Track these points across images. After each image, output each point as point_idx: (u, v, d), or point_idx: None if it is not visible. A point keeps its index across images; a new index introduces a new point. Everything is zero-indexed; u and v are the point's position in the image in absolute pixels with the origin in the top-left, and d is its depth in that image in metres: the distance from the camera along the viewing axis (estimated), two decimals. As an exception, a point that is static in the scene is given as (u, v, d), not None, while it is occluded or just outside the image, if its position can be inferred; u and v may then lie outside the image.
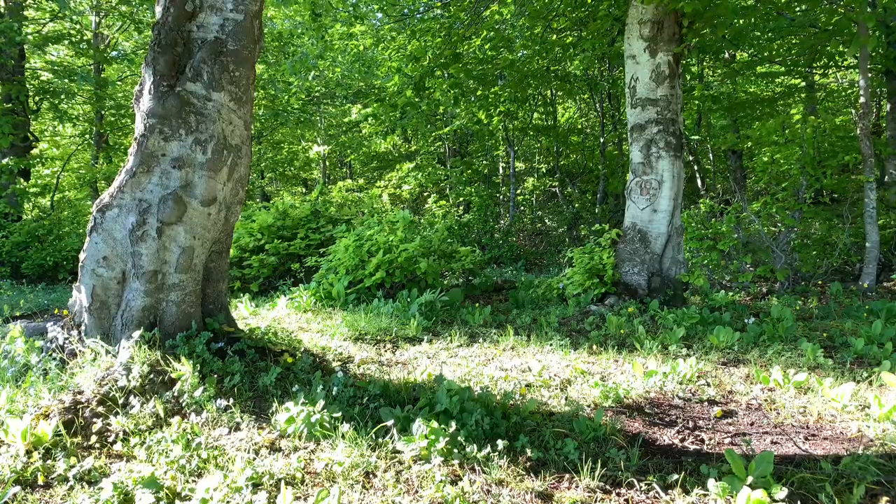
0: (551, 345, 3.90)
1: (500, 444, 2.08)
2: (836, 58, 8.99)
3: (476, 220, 11.56)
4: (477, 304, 5.31)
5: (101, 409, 2.28)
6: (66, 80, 11.26)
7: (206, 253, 2.97)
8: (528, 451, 2.10)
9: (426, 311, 4.92)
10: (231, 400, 2.42)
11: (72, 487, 1.87)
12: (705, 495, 1.84)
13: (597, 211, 11.65)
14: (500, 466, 1.98)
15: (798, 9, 6.99)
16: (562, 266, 8.61)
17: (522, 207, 13.39)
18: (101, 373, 2.47)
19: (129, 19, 11.76)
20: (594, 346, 3.92)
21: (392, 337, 4.18)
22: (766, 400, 2.82)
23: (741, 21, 6.98)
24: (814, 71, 9.74)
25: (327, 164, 18.27)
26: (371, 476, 1.93)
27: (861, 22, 5.55)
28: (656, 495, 1.88)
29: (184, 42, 2.90)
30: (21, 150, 10.17)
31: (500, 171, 14.30)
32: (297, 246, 7.06)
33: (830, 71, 11.17)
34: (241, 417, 2.33)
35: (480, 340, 4.14)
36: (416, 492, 1.85)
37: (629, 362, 3.44)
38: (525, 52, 8.82)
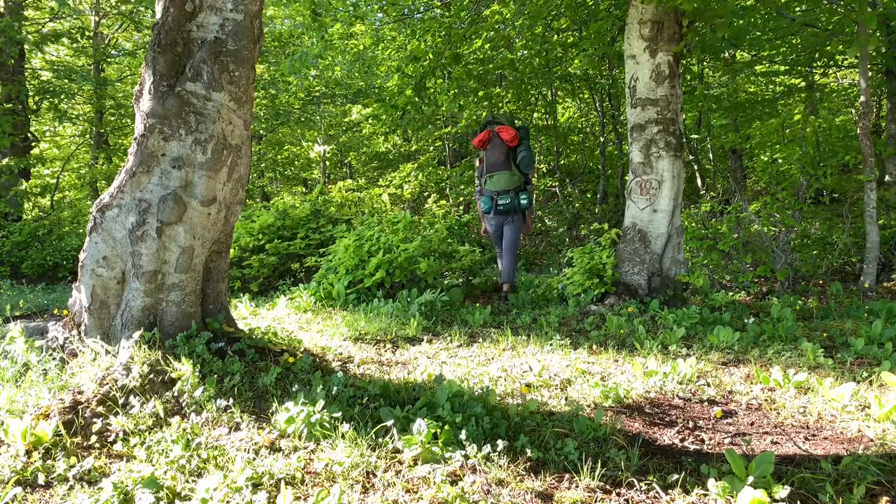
0: (551, 345, 3.90)
1: (500, 444, 2.08)
2: (837, 58, 8.98)
3: (476, 219, 11.57)
4: (477, 304, 5.31)
5: (101, 409, 2.28)
6: (66, 80, 11.27)
7: (206, 253, 2.97)
8: (528, 451, 2.10)
9: (426, 311, 4.91)
10: (231, 400, 2.42)
11: (72, 487, 1.87)
12: (705, 495, 1.84)
13: (597, 211, 11.65)
14: (500, 466, 1.98)
15: (798, 9, 6.99)
16: (562, 266, 8.60)
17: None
18: (101, 373, 2.47)
19: (128, 19, 11.77)
20: (594, 346, 3.92)
21: (392, 337, 4.18)
22: (766, 400, 2.82)
23: (741, 21, 6.98)
24: (814, 71, 9.74)
25: (327, 164, 18.27)
26: (371, 476, 1.93)
27: (861, 22, 5.55)
28: (656, 495, 1.87)
29: (184, 42, 2.90)
30: (21, 150, 10.18)
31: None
32: (297, 246, 7.06)
33: (830, 71, 11.17)
34: (241, 417, 2.33)
35: (480, 340, 4.13)
36: (417, 492, 1.85)
37: (629, 362, 3.44)
38: (525, 51, 8.82)
